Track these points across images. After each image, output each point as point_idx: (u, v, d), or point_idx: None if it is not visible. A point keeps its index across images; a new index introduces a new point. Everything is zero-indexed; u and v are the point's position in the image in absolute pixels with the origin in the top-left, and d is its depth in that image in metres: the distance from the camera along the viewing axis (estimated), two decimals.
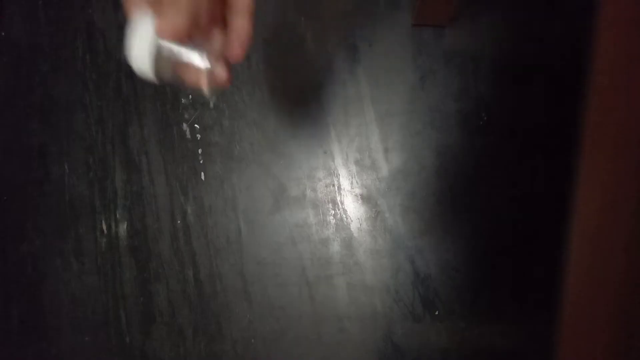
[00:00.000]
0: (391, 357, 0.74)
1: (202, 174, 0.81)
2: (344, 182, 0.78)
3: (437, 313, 0.73)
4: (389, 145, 0.77)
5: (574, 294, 0.29)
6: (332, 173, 0.78)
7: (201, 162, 0.82)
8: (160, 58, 0.37)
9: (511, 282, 0.73)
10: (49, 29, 0.89)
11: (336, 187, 0.78)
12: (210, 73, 0.39)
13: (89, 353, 0.81)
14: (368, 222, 0.76)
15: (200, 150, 0.82)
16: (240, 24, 0.41)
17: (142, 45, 0.36)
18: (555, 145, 0.73)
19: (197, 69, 0.39)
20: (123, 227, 0.82)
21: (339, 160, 0.78)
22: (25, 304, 0.83)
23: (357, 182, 0.77)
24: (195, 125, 0.82)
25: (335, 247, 0.77)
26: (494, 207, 0.74)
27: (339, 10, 0.81)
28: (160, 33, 0.35)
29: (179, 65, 0.38)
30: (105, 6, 0.88)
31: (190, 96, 0.83)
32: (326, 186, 0.78)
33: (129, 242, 0.82)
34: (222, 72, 0.40)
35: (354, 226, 0.77)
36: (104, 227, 0.83)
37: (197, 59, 0.38)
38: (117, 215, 0.82)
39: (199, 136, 0.82)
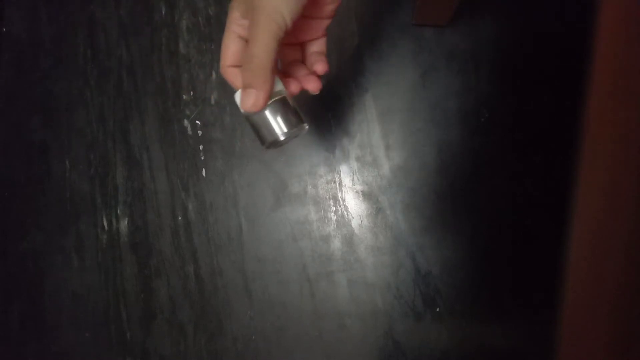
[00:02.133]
0: (392, 354, 0.74)
1: (203, 170, 0.81)
2: (345, 178, 0.77)
3: (438, 310, 0.73)
4: (390, 142, 0.76)
5: (574, 294, 0.29)
6: (333, 170, 0.78)
7: (202, 158, 0.81)
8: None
9: (511, 281, 0.72)
10: (50, 25, 0.89)
11: (337, 184, 0.78)
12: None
13: (90, 349, 0.81)
14: (369, 219, 0.76)
15: (201, 147, 0.82)
16: (318, 59, 0.50)
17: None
18: (555, 144, 0.73)
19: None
20: (124, 224, 0.82)
21: (340, 157, 0.78)
22: (26, 300, 0.84)
23: (358, 178, 0.77)
24: (197, 122, 0.82)
25: (336, 243, 0.77)
26: (494, 204, 0.74)
27: (341, 6, 0.80)
28: (244, 107, 0.43)
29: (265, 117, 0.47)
30: (106, 2, 0.88)
31: (191, 92, 0.83)
32: (327, 183, 0.78)
33: (130, 239, 0.82)
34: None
35: (355, 223, 0.77)
36: (105, 223, 0.83)
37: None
38: (118, 212, 0.83)
39: (200, 133, 0.82)
